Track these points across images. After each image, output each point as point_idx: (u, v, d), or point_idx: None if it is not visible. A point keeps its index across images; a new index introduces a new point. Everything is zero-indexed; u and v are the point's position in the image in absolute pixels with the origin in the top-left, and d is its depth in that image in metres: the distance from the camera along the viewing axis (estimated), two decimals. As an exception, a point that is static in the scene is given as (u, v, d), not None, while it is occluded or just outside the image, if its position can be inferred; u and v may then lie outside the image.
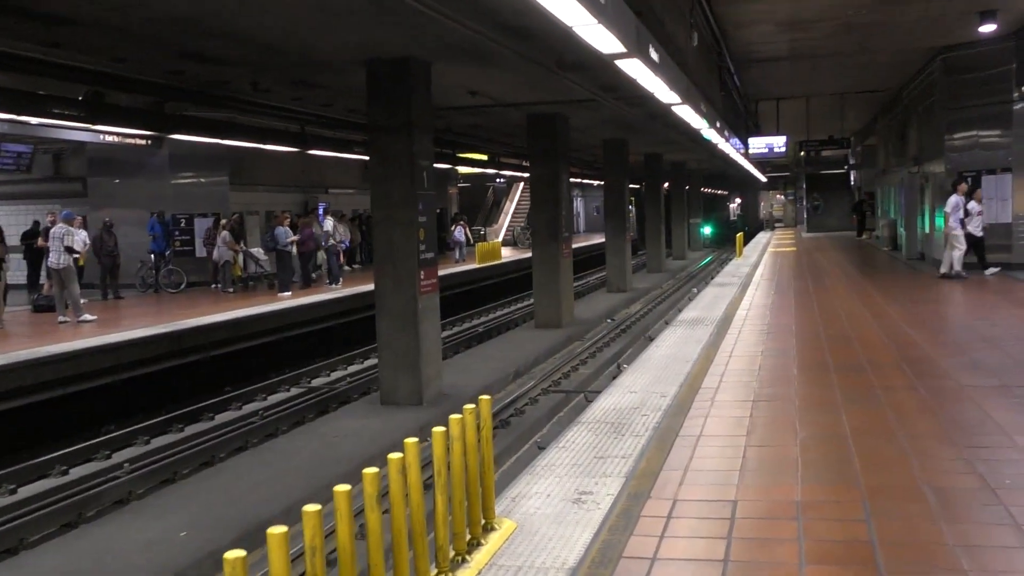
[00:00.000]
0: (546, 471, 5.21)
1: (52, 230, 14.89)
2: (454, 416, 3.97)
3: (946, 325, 10.72)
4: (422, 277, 11.66)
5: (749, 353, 9.07)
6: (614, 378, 13.37)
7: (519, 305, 23.39)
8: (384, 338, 11.75)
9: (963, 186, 15.98)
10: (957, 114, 18.11)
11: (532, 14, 5.91)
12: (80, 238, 15.19)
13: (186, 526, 7.36)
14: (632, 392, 7.43)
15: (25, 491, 8.72)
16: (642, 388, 7.58)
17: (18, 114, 11.41)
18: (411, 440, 3.58)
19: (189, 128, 14.45)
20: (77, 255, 14.81)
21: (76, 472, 9.35)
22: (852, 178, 41.19)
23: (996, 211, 17.30)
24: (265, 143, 16.52)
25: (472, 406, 4.16)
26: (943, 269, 15.97)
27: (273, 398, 12.85)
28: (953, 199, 15.66)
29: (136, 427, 10.81)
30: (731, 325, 11.20)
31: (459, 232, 29.52)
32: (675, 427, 6.15)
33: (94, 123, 12.71)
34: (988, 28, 15.27)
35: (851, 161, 39.52)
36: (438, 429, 3.89)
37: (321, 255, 21.22)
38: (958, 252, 15.68)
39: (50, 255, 14.63)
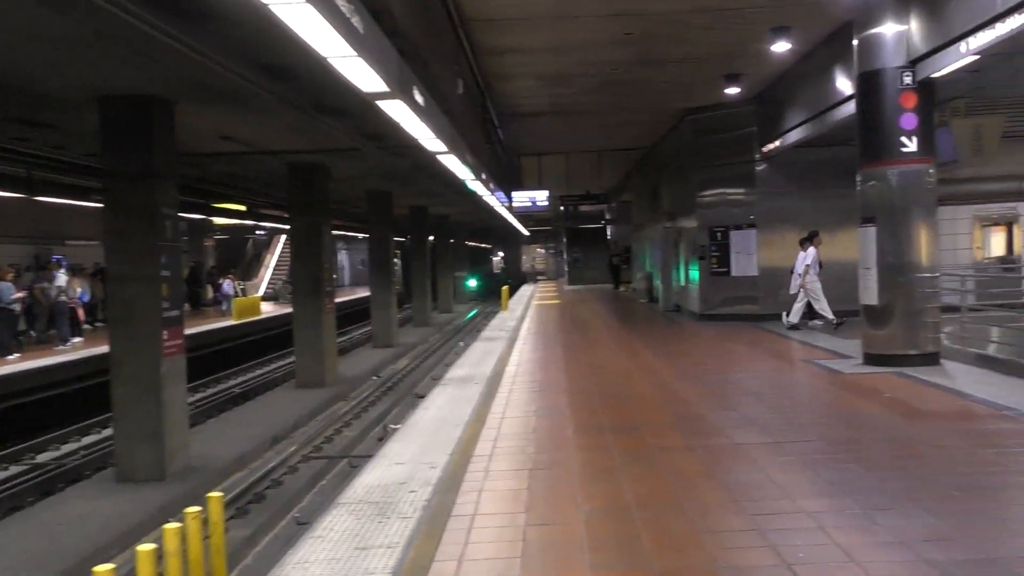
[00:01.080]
0: (298, 571, 4.42)
1: None
2: (168, 527, 3.14)
3: (712, 378, 10.84)
4: (166, 337, 10.49)
5: (522, 414, 8.66)
6: (380, 440, 12.72)
7: (280, 363, 22.13)
8: (120, 406, 10.45)
9: (819, 239, 15.74)
10: (706, 172, 19.00)
11: (286, 46, 5.24)
12: None
13: None
14: (399, 463, 6.76)
15: None
16: (410, 458, 6.92)
17: None
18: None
19: None
20: None
21: None
22: (609, 232, 42.90)
23: (743, 265, 18.18)
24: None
25: (196, 509, 3.34)
26: (792, 319, 15.69)
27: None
28: (812, 252, 15.50)
29: None
30: (501, 383, 10.80)
31: (228, 285, 29.35)
32: (447, 505, 5.53)
33: None
34: (733, 91, 16.10)
35: (608, 216, 41.17)
36: (144, 548, 3.04)
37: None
38: (823, 303, 15.45)
39: None
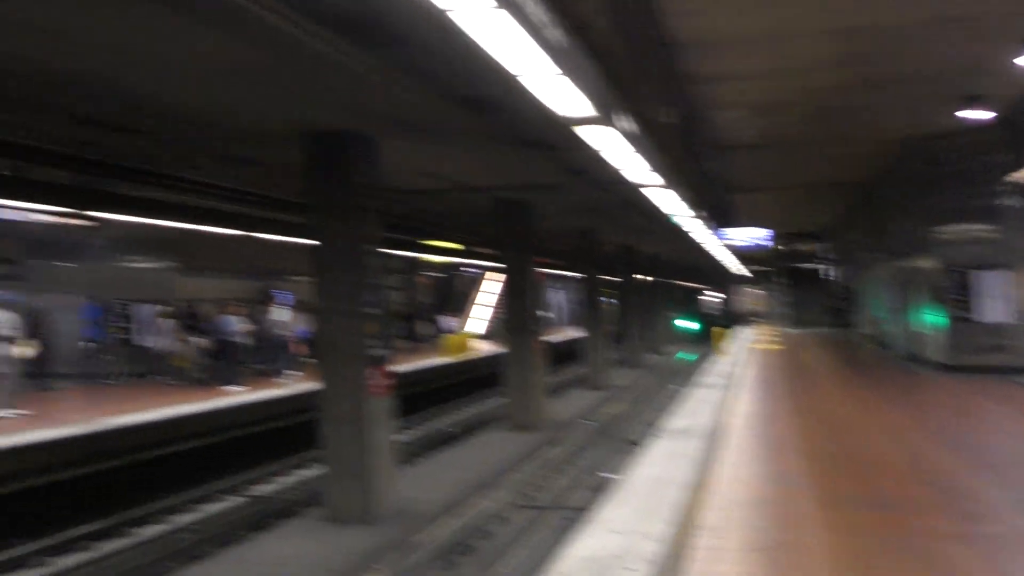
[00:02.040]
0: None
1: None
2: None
3: (971, 442, 9.40)
4: (371, 376, 10.30)
5: (749, 477, 7.71)
6: (593, 491, 12.03)
7: (488, 404, 21.90)
8: (328, 445, 10.35)
9: None
10: (943, 206, 17.18)
11: (482, 71, 4.73)
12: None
13: None
14: (614, 532, 6.00)
15: None
16: (625, 525, 6.14)
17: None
18: None
19: (113, 206, 13.17)
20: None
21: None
22: (827, 272, 40.48)
23: (994, 310, 16.22)
24: (202, 224, 15.25)
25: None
26: None
27: (209, 508, 11.28)
28: None
29: (39, 546, 9.16)
30: (723, 438, 9.83)
31: (445, 321, 30.73)
32: (669, 592, 4.74)
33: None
34: (972, 114, 14.33)
35: (824, 255, 38.86)
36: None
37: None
38: None
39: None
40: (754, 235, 26.15)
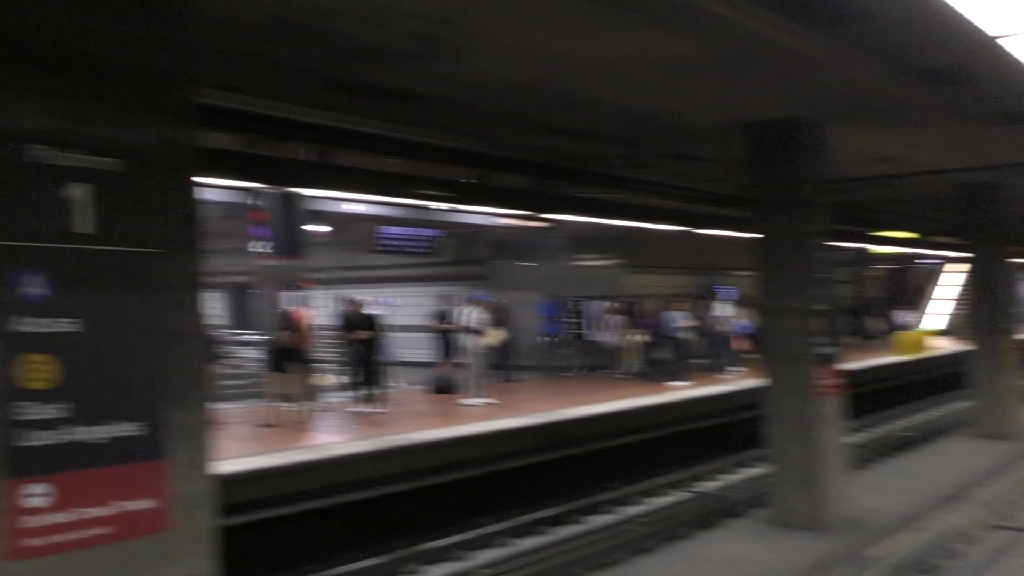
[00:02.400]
0: None
1: (459, 311, 15.31)
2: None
3: None
4: (818, 376, 9.78)
5: None
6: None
7: (949, 408, 19.90)
8: (774, 446, 10.01)
9: None
10: None
11: (947, 40, 4.15)
12: (476, 318, 15.19)
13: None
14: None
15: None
16: None
17: (390, 195, 11.52)
18: None
19: (565, 208, 13.95)
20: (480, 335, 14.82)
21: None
22: None
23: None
24: (647, 222, 15.62)
25: None
26: None
27: (656, 501, 11.54)
28: None
29: (500, 527, 10.01)
30: None
31: (901, 316, 29.92)
32: None
33: (468, 203, 12.68)
34: None
35: None
36: None
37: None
38: None
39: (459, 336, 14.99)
40: None
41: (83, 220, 3.65)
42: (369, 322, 13.68)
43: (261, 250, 15.22)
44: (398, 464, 10.18)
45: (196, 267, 4.06)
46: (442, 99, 8.04)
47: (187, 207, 4.01)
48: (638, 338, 19.19)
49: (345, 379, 15.54)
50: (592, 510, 10.92)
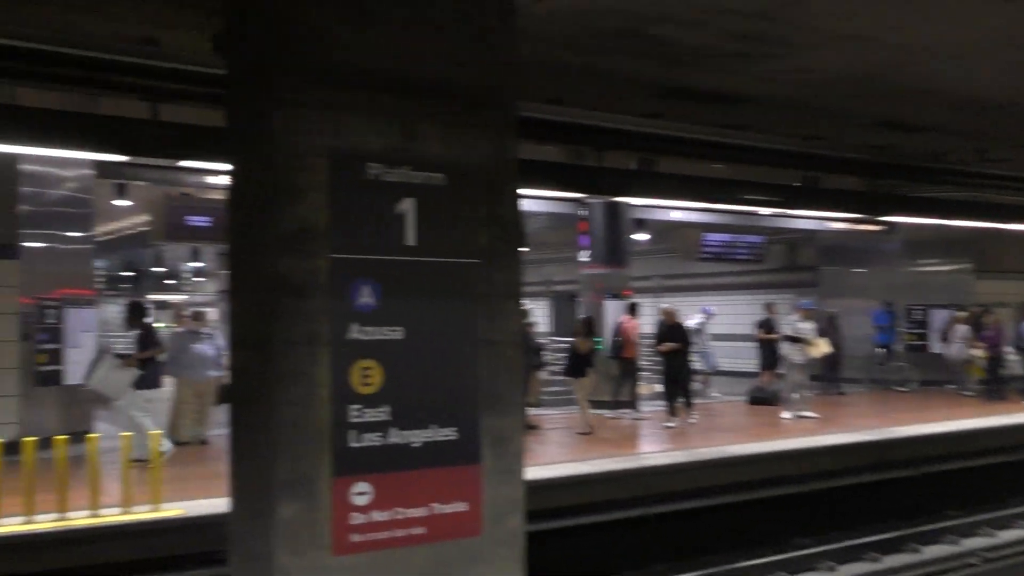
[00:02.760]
0: None
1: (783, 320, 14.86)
2: None
3: None
4: None
5: None
6: None
7: None
8: None
9: None
10: None
11: None
12: (800, 327, 14.48)
13: None
14: None
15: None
16: None
17: (712, 202, 11.28)
18: None
19: (901, 209, 12.90)
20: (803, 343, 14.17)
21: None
22: None
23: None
24: (1000, 222, 14.03)
25: None
26: None
27: (1004, 535, 10.29)
28: None
29: (822, 549, 9.39)
30: None
31: None
32: None
33: (795, 207, 12.10)
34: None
35: None
36: None
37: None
38: None
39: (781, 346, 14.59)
40: None
41: (408, 233, 3.86)
42: (680, 333, 13.42)
43: (586, 259, 15.59)
44: (710, 477, 9.91)
45: (515, 276, 4.15)
46: (766, 99, 7.76)
47: (507, 218, 4.11)
48: (981, 351, 17.32)
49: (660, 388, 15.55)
50: (928, 539, 9.93)
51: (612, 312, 14.76)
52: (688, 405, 13.23)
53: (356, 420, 3.67)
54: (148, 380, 10.20)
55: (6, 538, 6.75)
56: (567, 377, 13.00)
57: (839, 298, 20.24)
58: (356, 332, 3.71)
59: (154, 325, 12.51)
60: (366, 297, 3.75)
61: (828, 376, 17.52)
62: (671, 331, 13.33)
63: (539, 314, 24.12)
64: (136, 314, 10.93)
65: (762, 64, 6.62)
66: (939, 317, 19.19)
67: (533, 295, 25.56)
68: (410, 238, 3.86)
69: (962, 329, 17.45)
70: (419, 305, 3.88)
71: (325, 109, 3.63)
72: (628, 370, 13.98)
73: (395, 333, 3.81)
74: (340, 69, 3.68)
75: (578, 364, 12.58)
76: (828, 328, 17.24)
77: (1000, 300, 20.48)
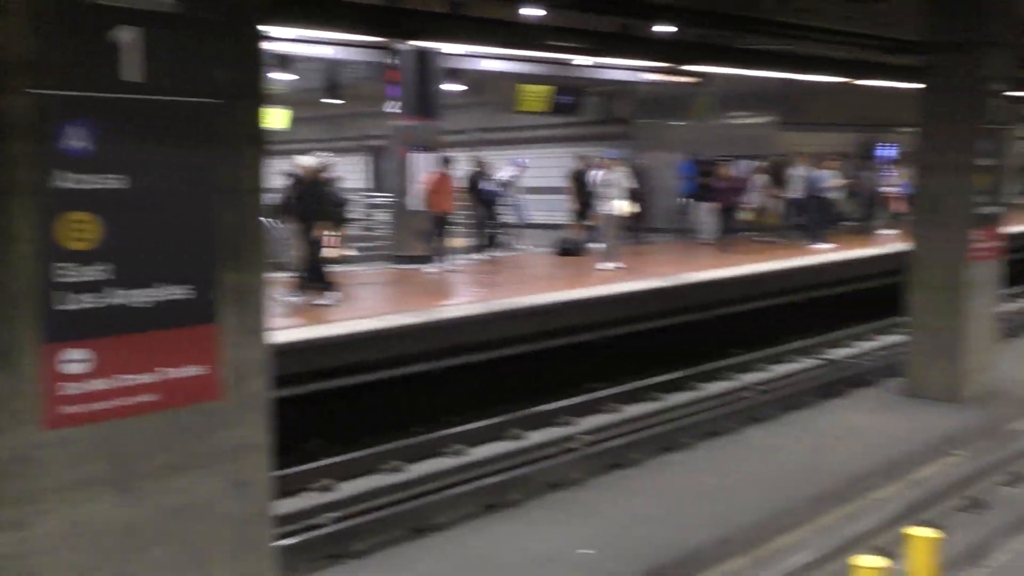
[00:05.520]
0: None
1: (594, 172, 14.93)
2: None
3: None
4: (975, 239, 8.97)
5: None
6: None
7: None
8: (915, 313, 9.36)
9: None
10: None
11: None
12: (610, 178, 14.56)
13: (590, 543, 6.03)
14: None
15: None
16: None
17: (520, 48, 11.04)
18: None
19: (713, 59, 13.06)
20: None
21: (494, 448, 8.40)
22: None
23: None
24: (806, 74, 14.46)
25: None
26: None
27: (780, 369, 11.05)
28: None
29: (610, 392, 9.76)
30: None
31: None
32: None
33: (609, 55, 12.04)
34: None
35: None
36: None
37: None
38: None
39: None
40: None
41: (131, 67, 3.41)
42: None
43: (395, 111, 15.06)
44: (510, 328, 9.99)
45: (258, 119, 3.77)
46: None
47: (252, 53, 3.70)
48: (781, 199, 18.05)
49: (473, 241, 15.57)
50: (711, 377, 10.52)
51: (422, 166, 14.43)
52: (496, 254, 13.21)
53: (68, 280, 3.28)
54: None
55: None
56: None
57: (653, 150, 20.61)
58: (65, 180, 3.27)
59: None
60: (78, 140, 3.29)
61: (635, 227, 17.95)
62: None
63: (351, 169, 23.58)
64: None
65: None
66: (741, 168, 19.88)
67: (348, 150, 24.88)
68: (134, 73, 3.40)
69: (760, 179, 18.15)
70: (146, 150, 3.46)
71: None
72: (438, 224, 13.85)
73: (116, 182, 3.38)
74: None
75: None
76: (640, 180, 17.57)
77: (798, 151, 21.45)
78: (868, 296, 13.85)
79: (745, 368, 10.95)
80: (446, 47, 13.77)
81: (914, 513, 6.06)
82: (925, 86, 9.44)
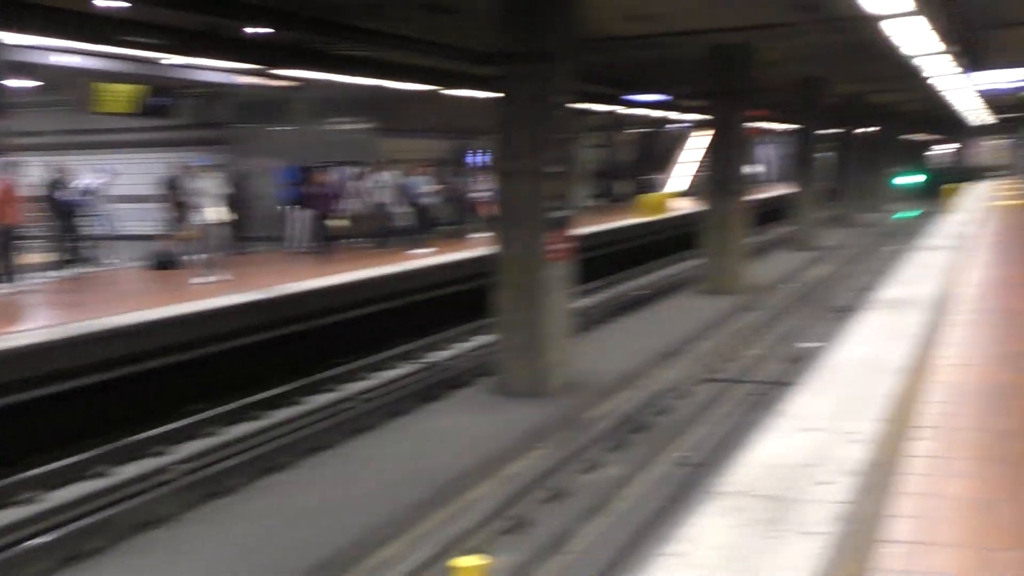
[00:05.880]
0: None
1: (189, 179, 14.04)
2: None
3: None
4: (549, 241, 9.59)
5: (983, 361, 6.42)
6: (792, 363, 10.96)
7: (684, 266, 20.76)
8: (502, 314, 9.84)
9: None
10: None
11: None
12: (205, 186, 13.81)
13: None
14: (807, 430, 5.00)
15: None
16: (821, 421, 5.12)
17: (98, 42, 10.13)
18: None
19: (303, 63, 12.90)
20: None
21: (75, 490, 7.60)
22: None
23: None
24: (396, 80, 14.77)
25: None
26: None
27: (383, 375, 11.11)
28: None
29: (210, 414, 9.19)
30: (949, 310, 8.43)
31: (648, 180, 31.48)
32: (872, 516, 3.77)
33: (193, 54, 11.42)
34: None
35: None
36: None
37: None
38: None
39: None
40: (1013, 77, 22.53)
41: None
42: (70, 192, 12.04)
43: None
44: (96, 353, 9.06)
45: None
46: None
47: None
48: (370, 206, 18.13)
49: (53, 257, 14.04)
50: (314, 390, 10.32)
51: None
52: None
53: None
54: None
55: None
56: None
57: (254, 156, 19.97)
58: None
59: None
60: None
61: (234, 236, 17.25)
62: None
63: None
64: None
65: None
66: (345, 174, 19.93)
67: None
68: None
69: (355, 185, 18.27)
70: None
71: None
72: (4, 238, 12.23)
73: None
74: None
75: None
76: (238, 187, 16.90)
77: (401, 156, 21.97)
78: (465, 298, 14.42)
79: (349, 378, 10.87)
80: (9, 37, 12.14)
81: (505, 509, 6.29)
82: (502, 95, 9.97)
